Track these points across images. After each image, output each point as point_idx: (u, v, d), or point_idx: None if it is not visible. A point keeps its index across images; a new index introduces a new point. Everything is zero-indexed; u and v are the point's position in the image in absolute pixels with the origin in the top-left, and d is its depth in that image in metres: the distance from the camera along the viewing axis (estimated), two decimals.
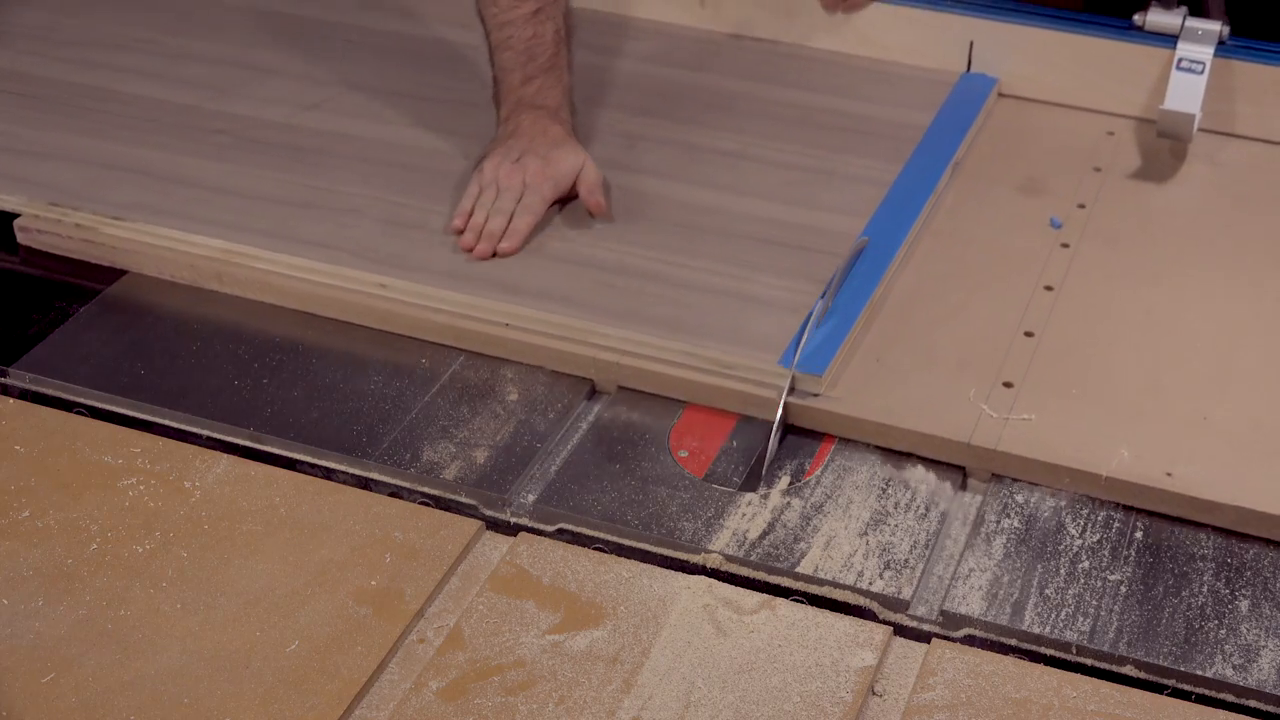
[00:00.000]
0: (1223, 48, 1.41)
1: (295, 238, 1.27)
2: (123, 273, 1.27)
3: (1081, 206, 1.35)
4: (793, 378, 1.13)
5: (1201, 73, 1.38)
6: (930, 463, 1.10)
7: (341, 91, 1.48)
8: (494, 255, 1.25)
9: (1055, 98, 1.48)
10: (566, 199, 1.31)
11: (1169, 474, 1.06)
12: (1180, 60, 1.39)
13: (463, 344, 1.20)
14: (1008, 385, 1.14)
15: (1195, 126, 1.38)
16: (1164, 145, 1.42)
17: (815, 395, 1.13)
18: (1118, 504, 1.07)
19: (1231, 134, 1.44)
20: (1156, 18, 1.43)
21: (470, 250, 1.25)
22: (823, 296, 1.21)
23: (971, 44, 1.49)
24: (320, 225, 1.29)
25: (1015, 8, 1.50)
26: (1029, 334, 1.20)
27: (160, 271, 1.26)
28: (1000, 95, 1.50)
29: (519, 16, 1.31)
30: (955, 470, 1.10)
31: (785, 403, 1.12)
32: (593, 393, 1.18)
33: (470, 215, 1.27)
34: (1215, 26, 1.41)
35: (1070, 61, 1.47)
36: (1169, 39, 1.42)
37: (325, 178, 1.35)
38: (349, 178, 1.35)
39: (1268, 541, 1.04)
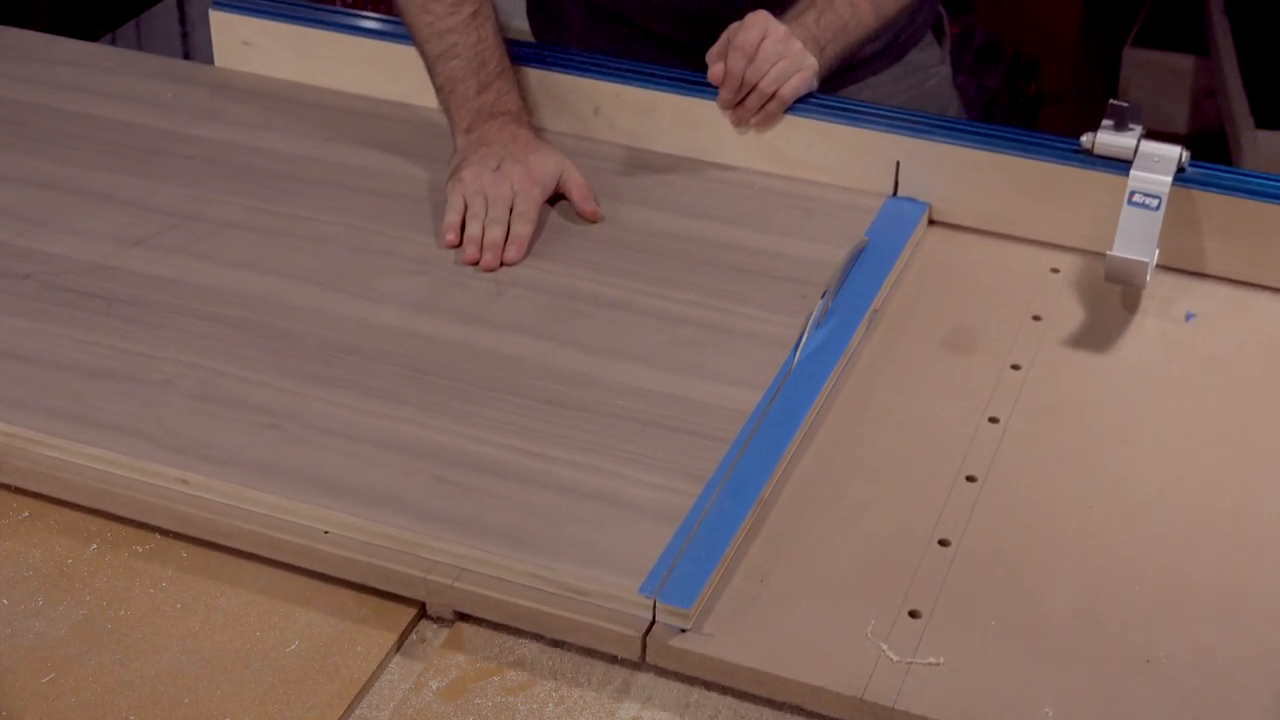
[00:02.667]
0: (1182, 176, 1.26)
1: (89, 419, 1.10)
2: None
3: (1016, 368, 1.19)
4: (654, 610, 0.97)
5: (1157, 208, 1.22)
6: None
7: (176, 223, 1.32)
8: (500, 265, 1.25)
9: (992, 226, 1.34)
10: (553, 200, 1.32)
11: None
12: (1132, 194, 1.23)
13: (274, 554, 1.04)
14: (914, 615, 0.98)
15: (1149, 273, 1.22)
16: (1115, 288, 1.26)
17: (682, 631, 0.97)
18: None
19: (1197, 273, 1.29)
20: (1107, 139, 1.28)
21: (475, 263, 1.25)
22: (824, 297, 1.19)
23: (899, 164, 1.35)
24: (123, 402, 1.12)
25: (949, 124, 1.36)
26: (944, 542, 1.04)
27: None
28: (930, 222, 1.35)
29: (458, 23, 1.32)
30: None
31: (643, 641, 0.96)
32: (420, 617, 1.01)
33: (462, 228, 1.27)
34: (1174, 152, 1.25)
35: (1008, 187, 1.32)
36: (1122, 164, 1.27)
37: (137, 338, 1.18)
38: (166, 337, 1.19)
39: None
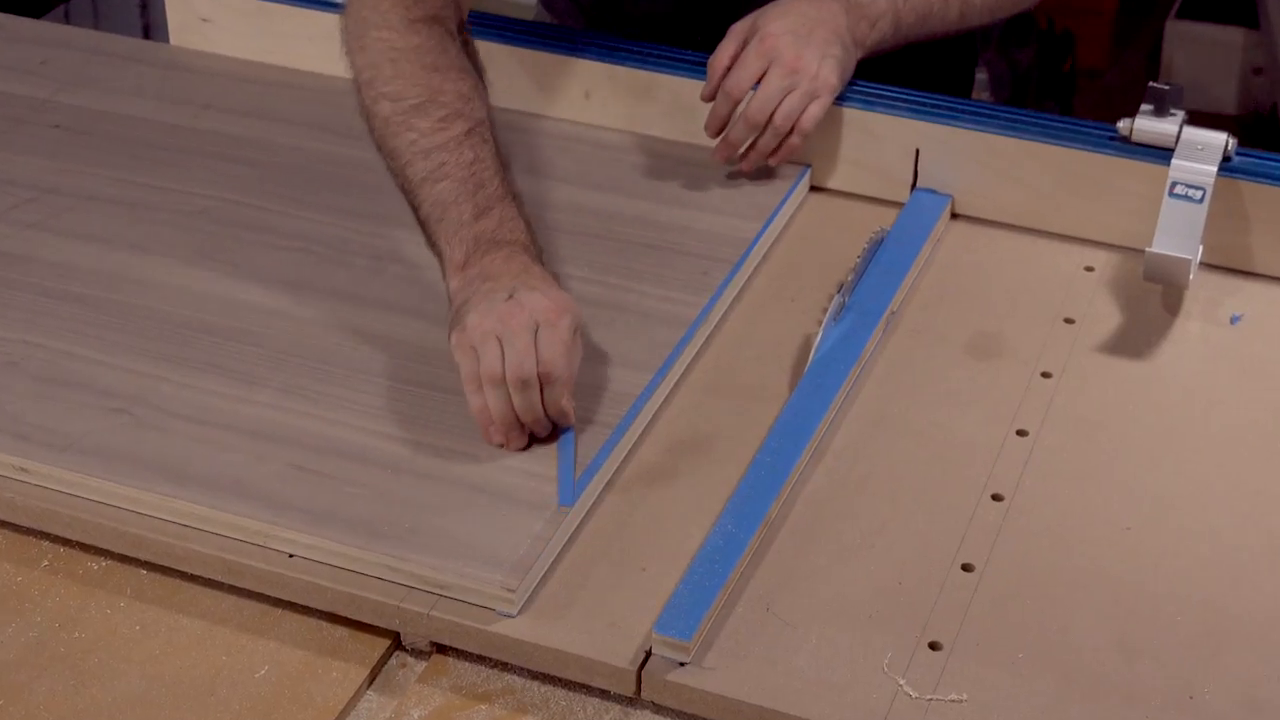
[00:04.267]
0: (1229, 165, 1.27)
1: None
2: None
3: (1046, 376, 1.20)
4: (650, 642, 0.98)
5: (1201, 201, 1.23)
6: None
7: (34, 196, 1.35)
8: (531, 443, 1.11)
9: (1021, 220, 1.35)
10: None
11: None
12: (1174, 185, 1.24)
13: (233, 579, 1.05)
14: (935, 647, 0.99)
15: (1192, 272, 1.23)
16: (1155, 288, 1.27)
17: (681, 665, 0.98)
18: None
19: (1244, 271, 1.30)
20: (1147, 125, 1.29)
21: (503, 446, 1.10)
22: (840, 293, 1.19)
23: (918, 153, 1.35)
24: None
25: (973, 108, 1.36)
26: (967, 567, 1.04)
27: None
28: (953, 216, 1.36)
29: (450, 140, 1.18)
30: None
31: (638, 675, 0.97)
32: (396, 647, 1.02)
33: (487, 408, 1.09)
34: (1219, 140, 1.26)
35: (1038, 178, 1.33)
36: (1163, 152, 1.27)
37: None
38: (13, 317, 1.22)
39: None
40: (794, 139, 1.31)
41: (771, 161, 1.33)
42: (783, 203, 1.34)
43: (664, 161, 1.40)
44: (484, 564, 1.02)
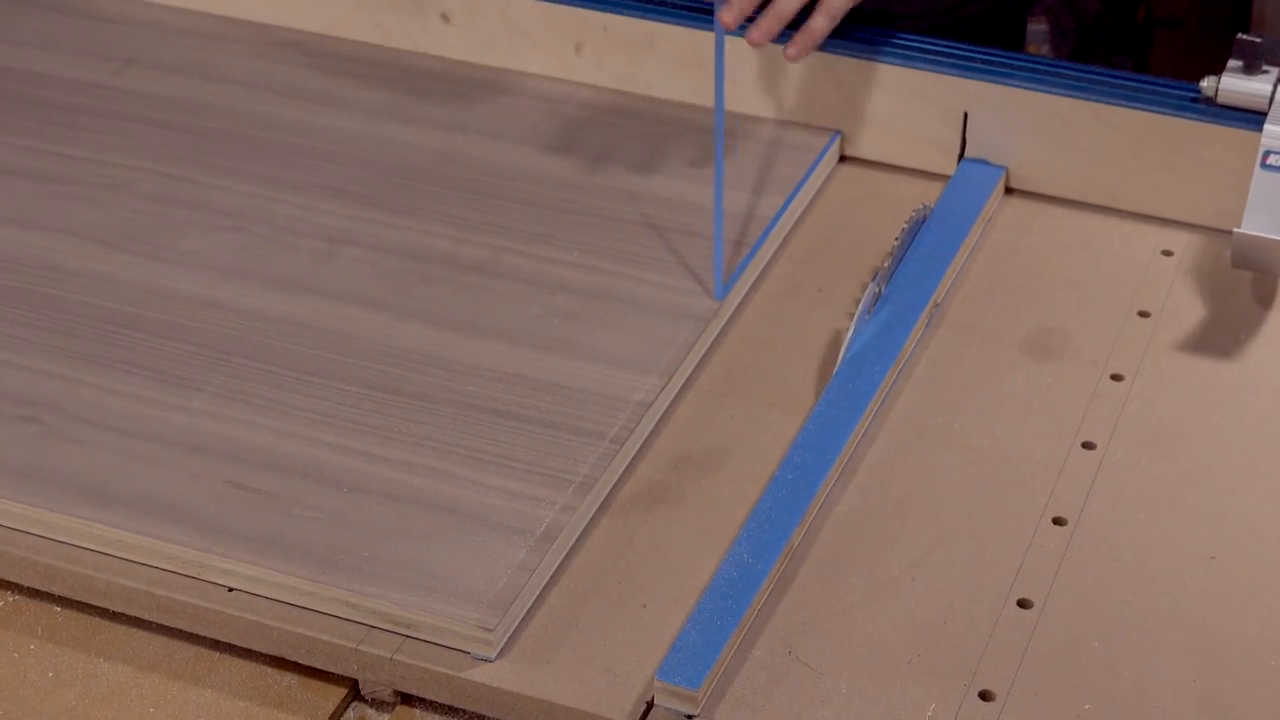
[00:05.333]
0: None
1: None
2: None
3: (1117, 379, 1.20)
4: (652, 691, 0.98)
5: None
6: None
7: None
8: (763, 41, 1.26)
9: (1087, 196, 1.35)
10: None
11: None
12: (1267, 155, 1.24)
13: (164, 618, 1.06)
14: (986, 697, 1.00)
15: None
16: (1244, 275, 1.28)
17: (688, 718, 0.98)
18: None
19: None
20: (1235, 84, 1.30)
21: (731, 29, 1.21)
22: (874, 281, 1.20)
23: (966, 117, 1.36)
24: None
25: (1031, 64, 1.36)
26: (1024, 603, 1.05)
27: None
28: (1007, 191, 1.37)
29: None
30: None
31: None
32: (353, 697, 1.03)
33: None
34: None
35: (1107, 146, 1.33)
36: (1254, 117, 1.28)
37: None
38: None
39: None
40: (819, 20, 1.30)
41: (789, 53, 1.31)
42: (808, 175, 1.34)
43: (667, 127, 1.40)
44: (457, 599, 1.02)
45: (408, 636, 1.01)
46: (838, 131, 1.38)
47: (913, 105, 1.37)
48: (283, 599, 1.03)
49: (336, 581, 1.02)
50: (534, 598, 1.03)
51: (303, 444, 1.12)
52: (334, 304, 1.23)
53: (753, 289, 1.27)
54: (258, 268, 1.26)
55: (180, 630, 1.04)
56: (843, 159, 1.39)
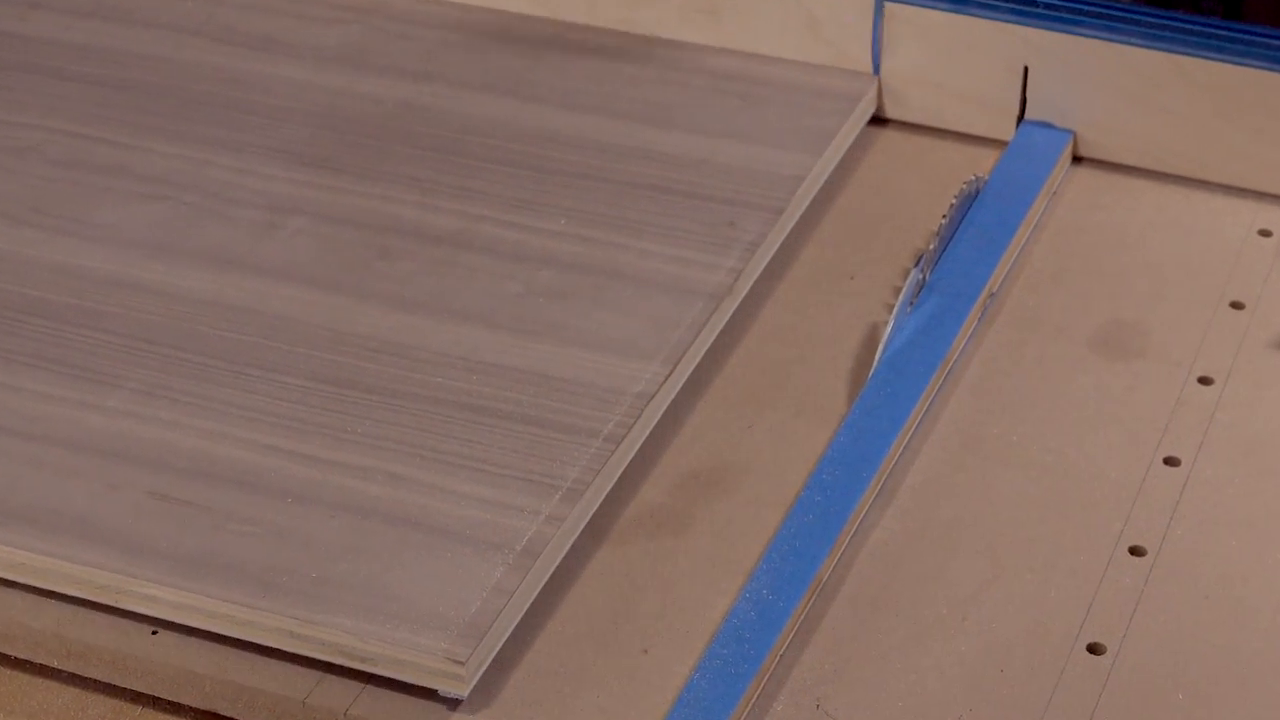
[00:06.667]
0: None
1: None
2: None
3: (1205, 382, 1.22)
4: None
5: None
6: None
7: None
8: None
9: (1169, 165, 1.37)
10: None
11: None
12: None
13: (75, 666, 1.06)
14: None
15: None
16: None
17: None
18: None
19: None
20: None
21: None
22: (917, 267, 1.22)
23: (1027, 71, 1.38)
24: None
25: (1105, 8, 1.37)
26: (1096, 649, 1.05)
27: None
28: (1075, 159, 1.39)
29: None
30: None
31: None
32: None
33: None
34: None
35: (1193, 106, 1.35)
36: None
37: None
38: None
39: None
40: None
41: None
42: (842, 128, 1.35)
43: (675, 74, 1.42)
44: (421, 627, 1.02)
45: (367, 679, 1.01)
46: (875, 73, 1.39)
47: (964, 58, 1.38)
48: (215, 630, 1.03)
49: (278, 608, 1.03)
50: (513, 625, 1.04)
51: (239, 447, 1.13)
52: (276, 284, 1.24)
53: (775, 276, 1.28)
54: (186, 242, 1.27)
55: (95, 680, 1.04)
56: (882, 121, 1.41)
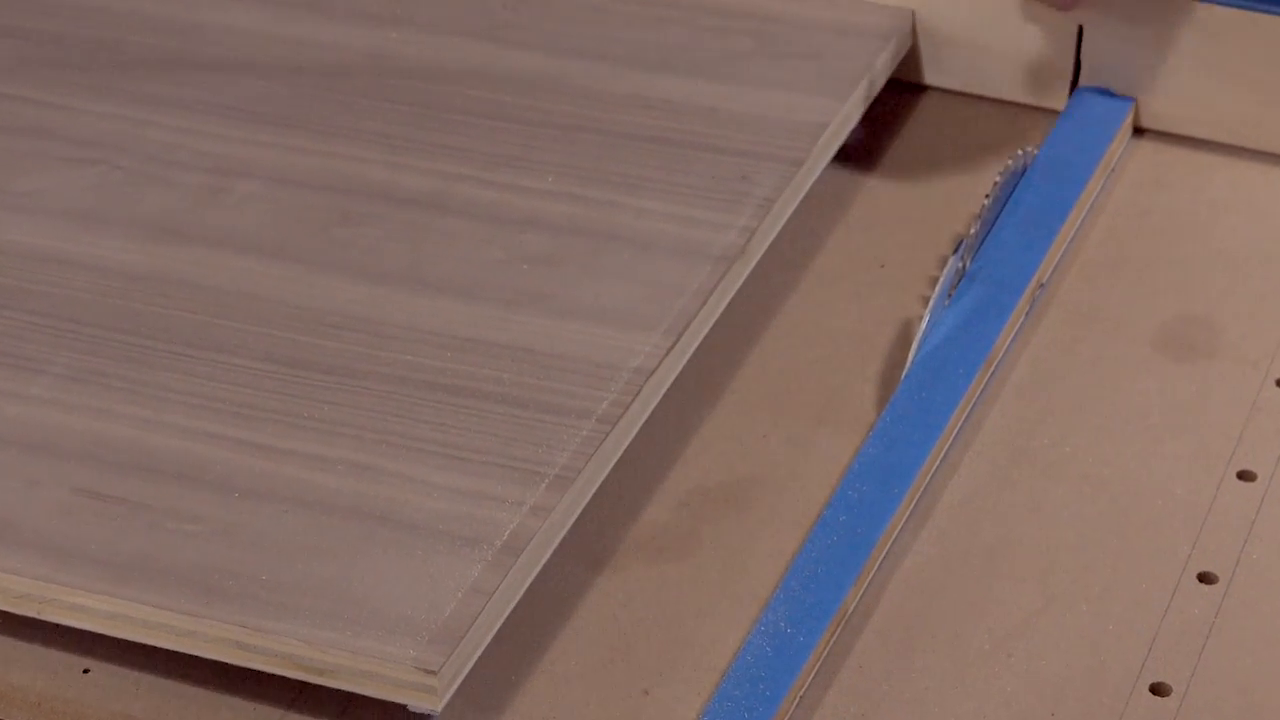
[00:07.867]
0: None
1: None
2: None
3: None
4: None
5: None
6: None
7: None
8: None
9: (1243, 139, 1.38)
10: None
11: None
12: None
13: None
14: None
15: None
16: None
17: None
18: None
19: None
20: None
21: None
22: (957, 254, 1.22)
23: (1081, 31, 1.39)
24: None
25: None
26: (1159, 690, 1.06)
27: None
28: (1136, 131, 1.40)
29: None
30: None
31: None
32: None
33: None
34: None
35: (1271, 71, 1.35)
36: None
37: None
38: None
39: None
40: None
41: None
42: (871, 70, 1.36)
43: (676, 11, 1.42)
44: (388, 634, 1.02)
45: (339, 714, 1.02)
46: (909, 11, 1.41)
47: (1010, 15, 1.39)
48: (153, 643, 1.03)
49: (225, 615, 1.02)
50: (493, 631, 1.03)
51: (179, 437, 1.13)
52: (222, 254, 1.25)
53: (795, 265, 1.29)
54: (119, 211, 1.28)
55: None
56: (919, 88, 1.42)
